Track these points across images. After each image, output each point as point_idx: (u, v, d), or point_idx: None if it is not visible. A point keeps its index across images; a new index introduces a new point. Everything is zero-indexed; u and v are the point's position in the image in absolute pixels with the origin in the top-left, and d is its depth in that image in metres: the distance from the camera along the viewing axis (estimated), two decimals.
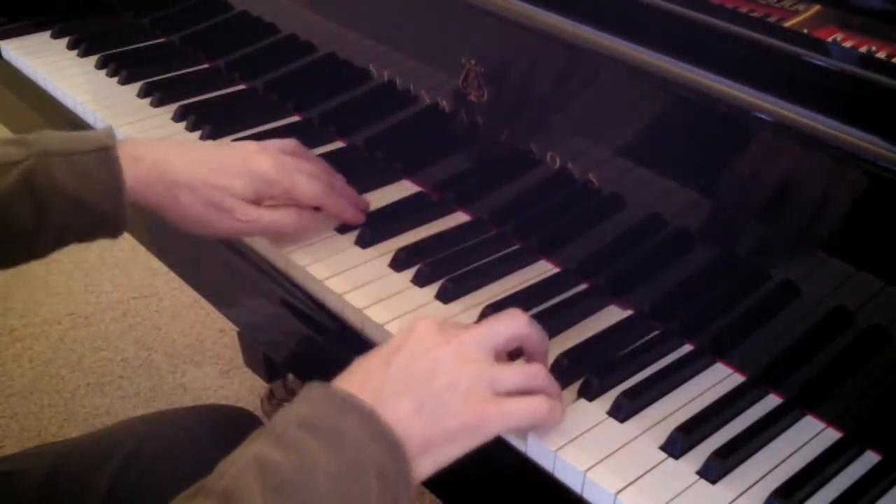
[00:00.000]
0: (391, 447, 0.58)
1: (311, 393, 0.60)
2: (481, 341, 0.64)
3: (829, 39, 0.75)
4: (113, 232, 0.79)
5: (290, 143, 0.87)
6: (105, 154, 0.77)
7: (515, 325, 0.67)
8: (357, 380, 0.62)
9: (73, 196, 0.75)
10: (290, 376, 1.72)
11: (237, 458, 0.57)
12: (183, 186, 0.79)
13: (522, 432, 0.68)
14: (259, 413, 1.70)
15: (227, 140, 1.01)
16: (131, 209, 0.78)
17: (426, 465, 0.61)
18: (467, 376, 0.62)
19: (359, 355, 0.78)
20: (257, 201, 0.82)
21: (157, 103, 1.09)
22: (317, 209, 0.85)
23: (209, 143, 0.89)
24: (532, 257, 0.86)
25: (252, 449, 0.57)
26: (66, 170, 0.75)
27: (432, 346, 0.63)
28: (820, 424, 0.71)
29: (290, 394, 1.72)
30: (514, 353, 0.71)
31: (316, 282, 0.82)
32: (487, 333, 0.65)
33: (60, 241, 0.78)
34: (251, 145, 0.84)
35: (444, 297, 0.80)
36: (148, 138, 0.81)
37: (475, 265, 0.84)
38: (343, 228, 0.88)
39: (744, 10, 0.79)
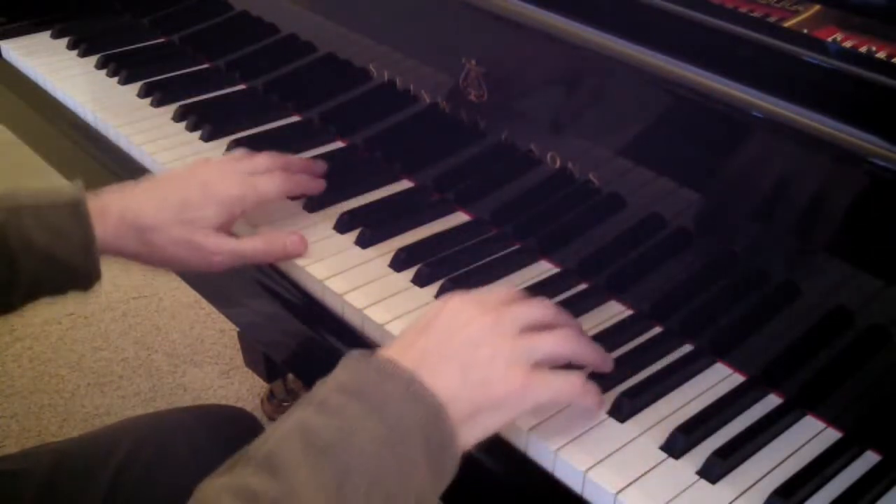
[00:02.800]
0: (433, 410, 0.58)
1: (350, 361, 0.60)
2: (517, 318, 0.64)
3: (829, 39, 0.75)
4: (85, 286, 0.79)
5: (237, 153, 0.89)
6: (75, 208, 0.76)
7: (547, 313, 0.67)
8: (397, 348, 0.62)
9: (44, 252, 0.75)
10: (290, 376, 1.72)
11: (279, 425, 0.57)
12: (153, 230, 0.79)
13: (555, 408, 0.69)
14: (259, 413, 1.71)
15: (222, 141, 1.02)
16: (107, 260, 0.78)
17: (473, 433, 0.61)
18: (509, 347, 0.62)
19: None
20: (231, 222, 0.83)
21: (157, 103, 1.09)
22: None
23: (169, 177, 0.88)
24: (532, 257, 0.86)
25: (294, 415, 0.57)
26: (37, 225, 0.75)
27: (470, 318, 0.63)
28: (820, 424, 0.71)
29: (290, 394, 1.72)
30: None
31: (316, 282, 0.82)
32: (522, 314, 0.65)
33: (32, 296, 0.78)
34: (206, 171, 0.84)
35: None
36: (119, 190, 0.81)
37: (475, 265, 0.84)
38: (343, 228, 0.88)
39: (744, 10, 0.79)
